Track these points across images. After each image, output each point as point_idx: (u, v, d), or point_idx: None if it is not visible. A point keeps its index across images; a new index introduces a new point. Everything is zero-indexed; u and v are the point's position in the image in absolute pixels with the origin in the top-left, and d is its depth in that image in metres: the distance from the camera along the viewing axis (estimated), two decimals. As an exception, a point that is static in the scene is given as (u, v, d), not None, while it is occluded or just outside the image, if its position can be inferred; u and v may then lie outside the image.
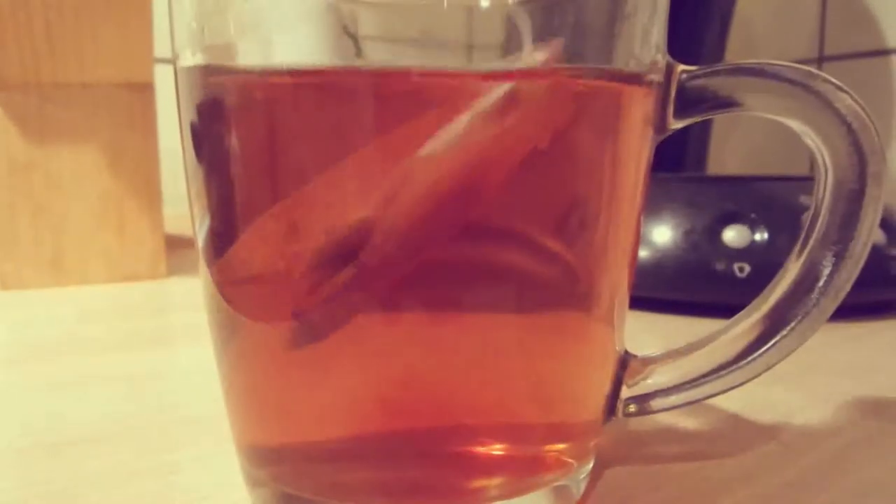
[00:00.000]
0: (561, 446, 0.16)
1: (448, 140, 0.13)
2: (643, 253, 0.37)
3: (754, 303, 0.17)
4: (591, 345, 0.16)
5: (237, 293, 0.15)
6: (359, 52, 0.14)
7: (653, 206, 0.38)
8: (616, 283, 0.16)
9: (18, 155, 0.42)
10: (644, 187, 0.17)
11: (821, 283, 0.16)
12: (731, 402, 0.23)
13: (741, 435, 0.21)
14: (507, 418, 0.15)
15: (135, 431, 0.21)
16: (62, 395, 0.24)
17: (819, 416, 0.23)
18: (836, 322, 0.20)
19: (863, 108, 0.15)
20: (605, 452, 0.19)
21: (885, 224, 0.35)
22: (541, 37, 0.14)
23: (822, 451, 0.20)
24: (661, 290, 0.37)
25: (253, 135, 0.14)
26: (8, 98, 0.41)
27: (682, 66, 0.16)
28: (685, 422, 0.22)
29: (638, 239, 0.17)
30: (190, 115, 0.15)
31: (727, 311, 0.18)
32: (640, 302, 0.35)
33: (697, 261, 0.36)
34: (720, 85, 0.16)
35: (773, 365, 0.17)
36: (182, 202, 0.17)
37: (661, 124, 0.16)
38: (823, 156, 0.16)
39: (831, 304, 0.16)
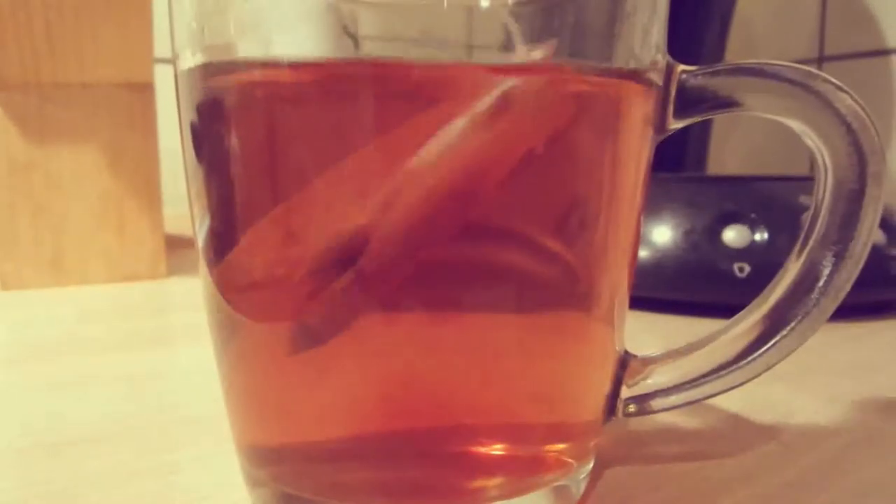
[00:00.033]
0: (561, 446, 0.16)
1: (444, 143, 0.13)
2: (643, 253, 0.37)
3: (754, 303, 0.17)
4: (591, 345, 0.16)
5: (238, 298, 0.15)
6: (359, 53, 0.14)
7: (653, 206, 0.38)
8: (616, 283, 0.16)
9: (18, 155, 0.42)
10: (644, 187, 0.17)
11: (821, 283, 0.16)
12: (731, 402, 0.23)
13: (741, 435, 0.21)
14: (507, 418, 0.15)
15: (135, 431, 0.21)
16: (62, 395, 0.24)
17: (819, 416, 0.23)
18: (836, 322, 0.20)
19: (863, 109, 0.15)
20: (605, 452, 0.19)
21: (884, 224, 0.35)
22: (541, 37, 0.14)
23: (822, 451, 0.20)
24: (661, 290, 0.37)
25: (252, 134, 0.14)
26: (8, 98, 0.41)
27: (682, 66, 0.16)
28: (685, 422, 0.22)
29: (638, 239, 0.17)
30: (190, 116, 0.15)
31: (727, 311, 0.18)
32: (640, 302, 0.35)
33: (697, 261, 0.36)
34: (720, 85, 0.16)
35: (773, 365, 0.17)
36: (182, 202, 0.17)
37: (661, 124, 0.16)
38: (823, 156, 0.16)
39: (831, 304, 0.16)
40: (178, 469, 0.19)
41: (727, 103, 0.16)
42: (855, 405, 0.24)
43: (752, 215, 0.36)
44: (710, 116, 0.17)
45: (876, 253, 0.30)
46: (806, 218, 0.16)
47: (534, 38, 0.14)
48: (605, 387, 0.17)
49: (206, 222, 0.15)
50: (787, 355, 0.17)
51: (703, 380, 0.17)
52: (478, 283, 0.14)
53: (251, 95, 0.14)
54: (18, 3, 0.40)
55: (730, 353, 0.17)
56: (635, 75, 0.15)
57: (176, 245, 0.48)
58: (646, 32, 0.15)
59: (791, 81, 0.16)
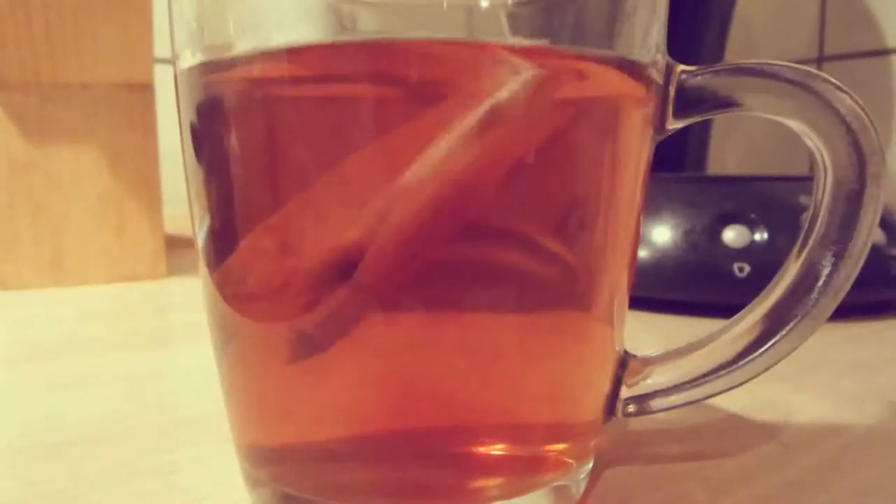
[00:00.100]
0: (561, 446, 0.16)
1: (443, 148, 0.13)
2: (643, 253, 0.37)
3: (754, 303, 0.17)
4: (590, 345, 0.16)
5: (238, 305, 0.15)
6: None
7: (653, 206, 0.38)
8: (616, 282, 0.16)
9: (18, 155, 0.42)
10: (644, 187, 0.17)
11: (820, 283, 0.16)
12: (731, 402, 0.23)
13: (741, 435, 0.21)
14: (507, 418, 0.15)
15: (135, 431, 0.21)
16: (62, 395, 0.24)
17: (819, 416, 0.23)
18: (836, 322, 0.20)
19: (862, 109, 0.15)
20: (605, 452, 0.19)
21: (884, 224, 0.35)
22: (540, 37, 0.14)
23: (822, 451, 0.20)
24: (660, 290, 0.37)
25: (252, 131, 0.14)
26: (8, 98, 0.41)
27: (681, 66, 0.16)
28: (685, 422, 0.22)
29: (638, 239, 0.17)
30: (189, 114, 0.15)
31: (727, 311, 0.18)
32: (640, 302, 0.35)
33: (697, 261, 0.36)
34: (720, 85, 0.16)
35: (773, 365, 0.17)
36: (182, 202, 0.17)
37: (660, 124, 0.16)
38: (823, 156, 0.16)
39: (831, 304, 0.16)
40: (178, 469, 0.19)
41: (727, 103, 0.16)
42: (855, 405, 0.24)
43: (752, 215, 0.36)
44: (710, 116, 0.17)
45: (875, 253, 0.30)
46: (805, 218, 0.16)
47: (534, 38, 0.14)
48: (605, 387, 0.17)
49: (206, 222, 0.15)
50: (787, 355, 0.17)
51: (702, 380, 0.17)
52: (477, 284, 0.14)
53: (250, 92, 0.14)
54: (18, 3, 0.40)
55: (730, 353, 0.17)
56: (635, 75, 0.15)
57: (176, 245, 0.48)
58: (645, 32, 0.15)
59: (791, 81, 0.16)
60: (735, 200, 0.37)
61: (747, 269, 0.35)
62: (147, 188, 0.45)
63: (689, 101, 0.16)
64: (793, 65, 0.16)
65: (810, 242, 0.16)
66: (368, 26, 0.14)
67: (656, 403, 0.18)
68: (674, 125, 0.17)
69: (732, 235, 0.36)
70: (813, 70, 0.15)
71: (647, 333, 0.34)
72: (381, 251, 0.14)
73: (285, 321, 0.15)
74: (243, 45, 0.14)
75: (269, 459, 0.16)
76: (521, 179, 0.14)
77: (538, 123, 0.14)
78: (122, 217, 0.44)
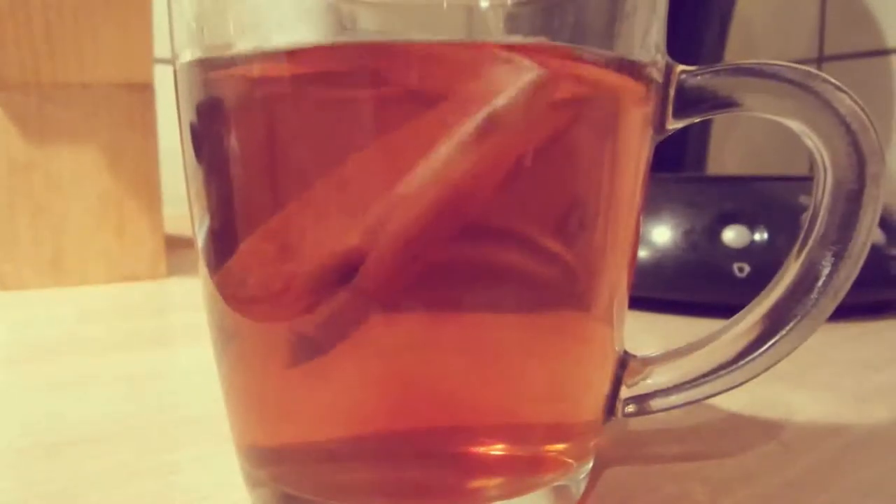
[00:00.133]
0: (561, 446, 0.16)
1: (442, 152, 0.13)
2: (643, 253, 0.37)
3: (754, 302, 0.17)
4: (590, 345, 0.16)
5: (238, 308, 0.15)
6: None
7: (653, 206, 0.38)
8: (615, 282, 0.16)
9: (18, 155, 0.42)
10: (643, 187, 0.17)
11: (820, 283, 0.16)
12: (731, 402, 0.23)
13: (741, 435, 0.21)
14: (507, 418, 0.15)
15: (135, 431, 0.21)
16: (62, 395, 0.24)
17: (819, 416, 0.23)
18: (835, 322, 0.20)
19: (862, 109, 0.15)
20: (605, 452, 0.19)
21: (884, 224, 0.35)
22: (540, 37, 0.14)
23: (822, 451, 0.20)
24: (660, 290, 0.37)
25: (252, 128, 0.14)
26: (8, 98, 0.41)
27: (681, 67, 0.16)
28: (685, 422, 0.22)
29: (637, 239, 0.17)
30: (189, 113, 0.15)
31: (727, 311, 0.18)
32: (640, 302, 0.35)
33: (697, 261, 0.36)
34: (719, 85, 0.16)
35: (773, 365, 0.17)
36: (182, 202, 0.17)
37: (660, 124, 0.16)
38: (822, 156, 0.16)
39: (831, 304, 0.16)
40: (178, 469, 0.19)
41: (726, 103, 0.16)
42: (855, 405, 0.24)
43: (752, 215, 0.36)
44: (710, 116, 0.17)
45: (875, 253, 0.30)
46: (805, 218, 0.16)
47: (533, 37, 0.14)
48: (605, 387, 0.17)
49: (206, 223, 0.15)
50: (787, 355, 0.17)
51: (702, 380, 0.17)
52: (477, 284, 0.14)
53: (250, 90, 0.14)
54: (18, 3, 0.40)
55: (729, 353, 0.17)
56: (635, 75, 0.15)
57: (176, 245, 0.48)
58: (645, 32, 0.15)
59: (790, 81, 0.16)
60: (735, 200, 0.37)
61: (747, 269, 0.35)
62: (147, 188, 0.45)
63: (688, 101, 0.16)
64: (792, 65, 0.16)
65: (810, 242, 0.16)
66: (368, 26, 0.14)
67: (656, 403, 0.18)
68: (674, 125, 0.17)
69: (732, 235, 0.36)
70: (813, 70, 0.15)
71: (647, 333, 0.34)
72: (382, 254, 0.14)
73: (285, 324, 0.15)
74: (243, 45, 0.14)
75: (269, 459, 0.16)
76: (522, 180, 0.14)
77: (537, 125, 0.14)
78: (122, 217, 0.44)
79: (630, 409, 0.18)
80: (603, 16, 0.14)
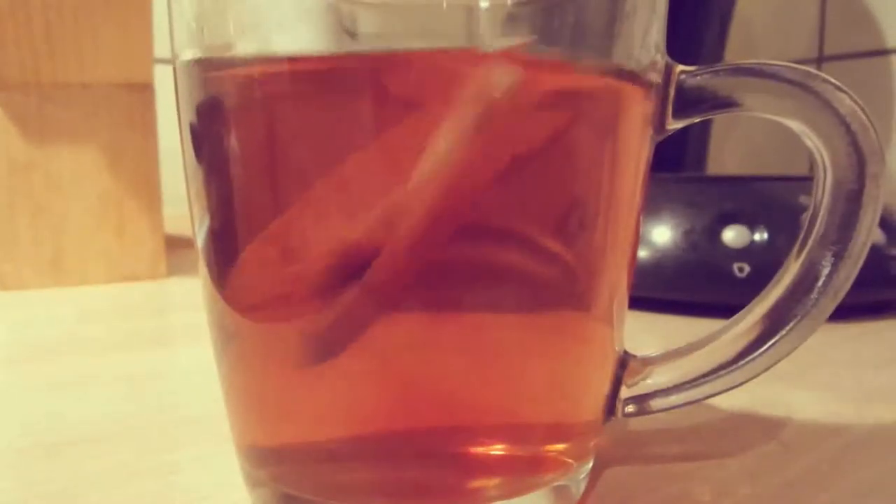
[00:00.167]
0: (561, 446, 0.16)
1: (442, 148, 0.13)
2: (643, 253, 0.37)
3: (754, 302, 0.17)
4: (590, 345, 0.16)
5: (247, 315, 0.15)
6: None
7: (652, 206, 0.38)
8: (615, 282, 0.16)
9: (18, 155, 0.42)
10: (643, 187, 0.17)
11: (820, 283, 0.16)
12: (731, 402, 0.23)
13: (741, 435, 0.21)
14: (507, 418, 0.15)
15: (135, 431, 0.21)
16: (62, 395, 0.24)
17: (819, 415, 0.23)
18: (835, 322, 0.20)
19: (862, 109, 0.15)
20: (605, 452, 0.19)
21: (884, 224, 0.35)
22: (540, 37, 0.14)
23: (822, 451, 0.20)
24: (660, 290, 0.37)
25: (252, 129, 0.14)
26: (8, 98, 0.41)
27: (681, 67, 0.16)
28: (685, 422, 0.22)
29: (637, 239, 0.17)
30: (189, 113, 0.15)
31: (727, 311, 0.18)
32: (640, 302, 0.35)
33: (697, 261, 0.36)
34: (719, 85, 0.16)
35: (773, 365, 0.17)
36: (182, 202, 0.17)
37: (660, 124, 0.16)
38: (822, 156, 0.16)
39: (830, 304, 0.16)
40: (178, 469, 0.19)
41: (726, 103, 0.16)
42: (855, 405, 0.24)
43: (752, 215, 0.36)
44: (710, 116, 0.17)
45: (875, 253, 0.30)
46: (805, 218, 0.16)
47: (533, 38, 0.14)
48: (605, 387, 0.17)
49: (206, 223, 0.15)
50: (787, 355, 0.17)
51: (702, 380, 0.17)
52: (477, 284, 0.14)
53: (250, 89, 0.14)
54: (18, 3, 0.40)
55: (729, 353, 0.17)
56: (634, 75, 0.15)
57: (176, 245, 0.48)
58: (645, 32, 0.15)
59: (790, 81, 0.16)
60: (735, 200, 0.37)
61: (747, 269, 0.35)
62: (147, 188, 0.45)
63: (688, 101, 0.16)
64: (792, 65, 0.16)
65: (810, 242, 0.16)
66: (368, 27, 0.14)
67: (656, 403, 0.18)
68: (673, 125, 0.17)
69: (732, 235, 0.36)
70: (812, 70, 0.15)
71: (647, 333, 0.34)
72: (392, 249, 0.14)
73: (296, 326, 0.15)
74: (243, 45, 0.14)
75: (269, 459, 0.16)
76: (521, 180, 0.14)
77: (537, 124, 0.14)
78: (122, 217, 0.44)
79: (630, 409, 0.18)
80: (603, 16, 0.14)
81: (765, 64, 0.16)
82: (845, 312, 0.20)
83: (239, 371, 0.16)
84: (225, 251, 0.15)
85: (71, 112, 0.42)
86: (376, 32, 0.14)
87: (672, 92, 0.16)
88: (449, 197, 0.14)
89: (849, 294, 0.16)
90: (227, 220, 0.15)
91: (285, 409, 0.15)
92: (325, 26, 0.14)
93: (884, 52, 0.59)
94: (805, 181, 0.39)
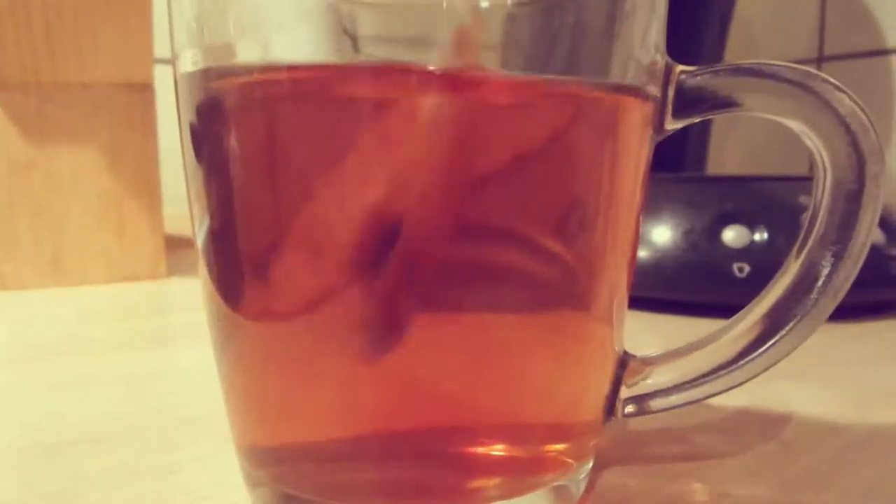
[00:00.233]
0: (560, 446, 0.16)
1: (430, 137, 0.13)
2: (643, 253, 0.37)
3: (753, 302, 0.17)
4: (590, 345, 0.16)
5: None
6: (358, 53, 0.14)
7: (652, 206, 0.38)
8: (615, 282, 0.16)
9: (18, 155, 0.42)
10: (643, 187, 0.17)
11: (820, 283, 0.16)
12: (730, 402, 0.23)
13: (741, 435, 0.21)
14: (507, 418, 0.15)
15: (135, 431, 0.21)
16: (62, 395, 0.24)
17: (819, 415, 0.23)
18: (835, 322, 0.20)
19: (861, 109, 0.15)
20: (605, 452, 0.19)
21: (884, 224, 0.35)
22: (540, 37, 0.14)
23: (822, 451, 0.20)
24: (660, 290, 0.37)
25: (252, 137, 0.14)
26: (8, 98, 0.41)
27: (680, 67, 0.16)
28: (685, 422, 0.22)
29: (637, 239, 0.17)
30: (188, 114, 0.15)
31: (727, 311, 0.18)
32: (640, 302, 0.35)
33: (697, 261, 0.36)
34: (719, 85, 0.16)
35: (773, 365, 0.17)
36: (182, 202, 0.17)
37: (659, 125, 0.16)
38: (822, 156, 0.16)
39: (830, 304, 0.16)
40: (178, 469, 0.19)
41: (726, 103, 0.16)
42: (855, 405, 0.24)
43: (752, 215, 0.36)
44: (709, 117, 0.17)
45: (875, 253, 0.30)
46: (805, 218, 0.17)
47: (534, 38, 0.14)
48: (605, 387, 0.17)
49: (206, 222, 0.15)
50: (787, 355, 0.17)
51: (702, 380, 0.17)
52: (477, 284, 0.14)
53: (251, 99, 0.14)
54: (18, 3, 0.40)
55: (729, 353, 0.17)
56: (634, 76, 0.15)
57: (176, 245, 0.48)
58: (645, 32, 0.15)
59: (790, 81, 0.16)
60: (735, 200, 0.37)
61: (747, 269, 0.35)
62: (147, 188, 0.45)
63: (688, 101, 0.16)
64: (792, 65, 0.16)
65: (810, 242, 0.16)
66: (368, 27, 0.14)
67: (656, 403, 0.18)
68: (673, 125, 0.17)
69: (732, 235, 0.36)
70: (812, 70, 0.15)
71: (647, 333, 0.34)
72: (416, 216, 0.13)
73: (354, 323, 0.14)
74: (243, 45, 0.14)
75: (269, 459, 0.16)
76: (521, 180, 0.14)
77: (537, 125, 0.14)
78: (122, 217, 0.44)
79: (630, 409, 0.18)
80: (603, 16, 0.14)
81: (765, 64, 0.16)
82: (845, 312, 0.20)
83: (239, 371, 0.16)
84: (225, 251, 0.15)
85: (71, 112, 0.42)
86: (376, 33, 0.14)
87: (672, 92, 0.16)
88: (448, 196, 0.14)
89: (849, 294, 0.16)
90: (227, 220, 0.15)
91: (285, 409, 0.15)
92: (325, 26, 0.14)
93: (884, 52, 0.59)
94: (805, 181, 0.39)
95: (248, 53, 0.14)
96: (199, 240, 0.16)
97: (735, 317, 0.17)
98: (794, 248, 0.17)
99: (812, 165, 0.17)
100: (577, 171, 0.15)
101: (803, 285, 0.16)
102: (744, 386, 0.17)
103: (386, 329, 0.14)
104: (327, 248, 0.14)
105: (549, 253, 0.15)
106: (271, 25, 0.14)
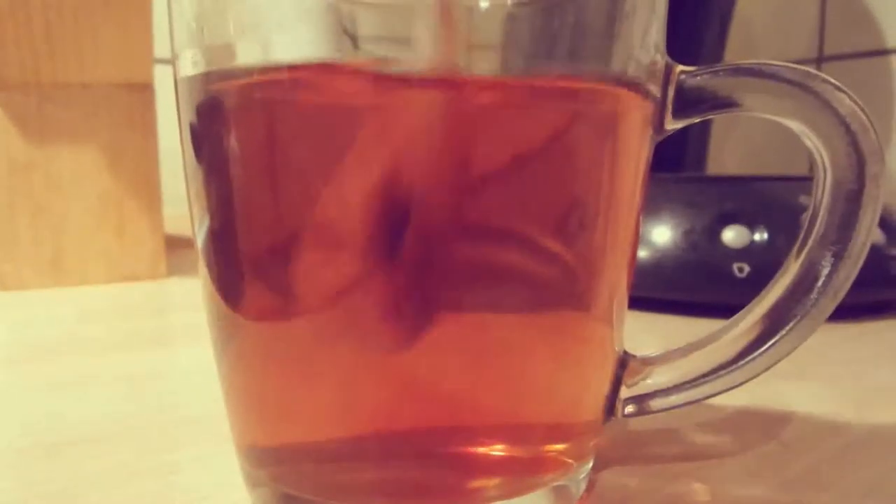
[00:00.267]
0: (560, 446, 0.16)
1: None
2: (643, 253, 0.37)
3: (753, 303, 0.17)
4: (590, 345, 0.16)
5: (249, 318, 0.15)
6: (358, 53, 0.14)
7: (652, 206, 0.38)
8: (615, 282, 0.16)
9: (18, 155, 0.42)
10: (643, 188, 0.17)
11: (820, 283, 0.16)
12: (730, 402, 0.23)
13: (741, 434, 0.21)
14: (507, 418, 0.15)
15: (135, 431, 0.21)
16: (62, 395, 0.24)
17: (819, 415, 0.23)
18: (835, 322, 0.20)
19: (861, 109, 0.15)
20: (605, 452, 0.19)
21: (883, 224, 0.35)
22: (540, 37, 0.14)
23: (822, 451, 0.20)
24: (660, 290, 0.37)
25: (252, 138, 0.14)
26: (8, 98, 0.41)
27: (680, 67, 0.16)
28: (685, 422, 0.22)
29: (637, 239, 0.17)
30: (188, 114, 0.15)
31: (727, 311, 0.18)
32: (640, 302, 0.35)
33: (697, 261, 0.36)
34: (719, 85, 0.16)
35: (773, 365, 0.17)
36: (182, 202, 0.18)
37: (659, 125, 0.16)
38: (822, 156, 0.16)
39: (830, 304, 0.16)
40: (178, 469, 0.19)
41: (726, 104, 0.16)
42: (855, 405, 0.24)
43: (752, 215, 0.36)
44: (709, 117, 0.17)
45: (875, 253, 0.30)
46: (805, 218, 0.17)
47: (534, 38, 0.14)
48: (605, 387, 0.17)
49: (206, 222, 0.15)
50: (787, 355, 0.17)
51: (702, 380, 0.17)
52: (477, 284, 0.14)
53: (250, 100, 0.14)
54: (18, 3, 0.40)
55: (729, 353, 0.17)
56: (634, 76, 0.15)
57: (176, 245, 0.48)
58: (645, 32, 0.15)
59: (790, 82, 0.16)
60: (735, 200, 0.37)
61: (747, 269, 0.35)
62: (147, 188, 0.45)
63: (688, 101, 0.16)
64: (792, 65, 0.16)
65: (810, 242, 0.16)
66: (368, 27, 0.14)
67: (656, 403, 0.18)
68: (673, 125, 0.17)
69: (732, 235, 0.36)
70: (812, 70, 0.15)
71: (647, 333, 0.34)
72: (422, 194, 0.13)
73: (383, 310, 0.14)
74: (243, 46, 0.14)
75: (269, 459, 0.16)
76: (521, 180, 0.14)
77: (536, 124, 0.14)
78: (122, 217, 0.44)
79: (630, 409, 0.18)
80: (602, 16, 0.14)
81: (764, 64, 0.16)
82: (845, 312, 0.20)
83: (239, 371, 0.16)
84: (225, 251, 0.15)
85: (71, 112, 0.42)
86: (376, 33, 0.14)
87: (672, 92, 0.16)
88: (448, 195, 0.14)
89: (849, 294, 0.16)
90: (227, 220, 0.15)
91: (285, 409, 0.15)
92: (325, 26, 0.14)
93: (884, 52, 0.59)
94: (805, 181, 0.39)
95: (248, 54, 0.14)
96: (199, 240, 0.16)
97: (735, 317, 0.17)
98: (794, 248, 0.17)
99: (812, 165, 0.17)
100: (577, 171, 0.15)
101: (803, 285, 0.16)
102: (744, 386, 0.17)
103: (412, 319, 0.14)
104: (339, 244, 0.14)
105: (549, 253, 0.15)
106: (271, 25, 0.14)
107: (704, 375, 0.17)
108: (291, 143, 0.14)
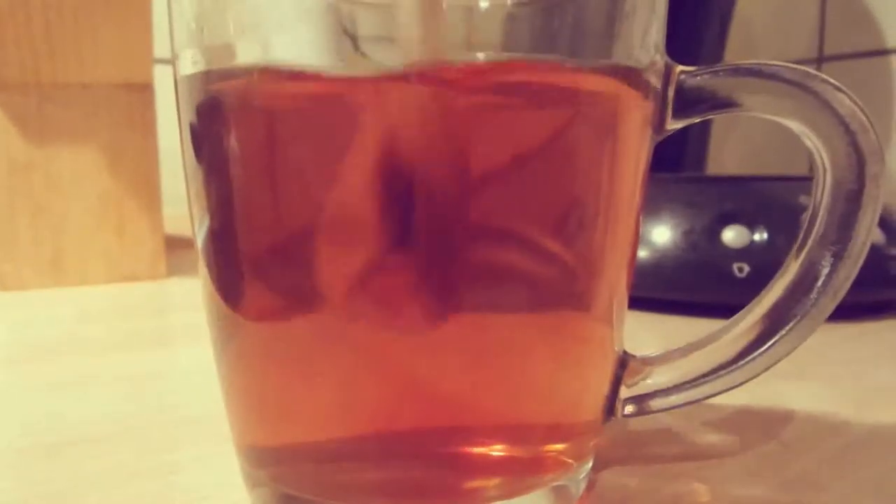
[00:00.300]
0: (560, 446, 0.16)
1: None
2: (643, 253, 0.37)
3: (753, 303, 0.17)
4: (590, 345, 0.16)
5: (249, 318, 0.15)
6: (357, 53, 0.14)
7: (652, 206, 0.38)
8: (615, 283, 0.16)
9: (18, 155, 0.42)
10: (643, 188, 0.17)
11: (819, 283, 0.16)
12: (730, 402, 0.23)
13: (741, 434, 0.21)
14: (507, 419, 0.15)
15: (135, 431, 0.21)
16: (62, 395, 0.24)
17: (819, 415, 0.23)
18: (835, 322, 0.20)
19: (861, 109, 0.15)
20: (605, 452, 0.19)
21: (883, 224, 0.35)
22: (540, 37, 0.14)
23: (822, 451, 0.20)
24: (660, 290, 0.37)
25: (252, 138, 0.14)
26: (8, 98, 0.41)
27: (680, 67, 0.16)
28: (685, 422, 0.22)
29: (637, 239, 0.17)
30: (188, 115, 0.15)
31: (727, 311, 0.18)
32: (640, 302, 0.35)
33: (697, 261, 0.36)
34: (719, 85, 0.16)
35: (773, 365, 0.17)
36: (182, 202, 0.18)
37: (659, 125, 0.16)
38: (822, 156, 0.16)
39: (830, 304, 0.16)
40: (178, 469, 0.19)
41: (726, 104, 0.16)
42: (855, 405, 0.24)
43: (752, 215, 0.36)
44: (709, 117, 0.17)
45: (875, 253, 0.30)
46: (805, 218, 0.17)
47: (534, 38, 0.14)
48: (605, 387, 0.17)
49: (206, 223, 0.15)
50: (787, 355, 0.17)
51: (702, 380, 0.17)
52: (477, 284, 0.14)
53: (251, 102, 0.14)
54: (18, 3, 0.40)
55: (729, 353, 0.17)
56: (634, 76, 0.15)
57: (176, 245, 0.48)
58: (644, 33, 0.15)
59: (789, 82, 0.16)
60: (735, 200, 0.37)
61: (747, 269, 0.35)
62: (147, 188, 0.45)
63: (688, 101, 0.16)
64: (791, 65, 0.16)
65: (809, 242, 0.16)
66: (368, 27, 0.14)
67: (656, 403, 0.18)
68: (673, 126, 0.17)
69: (732, 235, 0.36)
70: (811, 70, 0.15)
71: (647, 333, 0.34)
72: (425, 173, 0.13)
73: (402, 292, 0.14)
74: (243, 46, 0.14)
75: (269, 459, 0.16)
76: (521, 180, 0.14)
77: (536, 124, 0.14)
78: (122, 217, 0.44)
79: (630, 409, 0.18)
80: (602, 16, 0.14)
81: (764, 64, 0.16)
82: (845, 312, 0.20)
83: (239, 371, 0.16)
84: (225, 251, 0.15)
85: (71, 112, 0.42)
86: (376, 33, 0.14)
87: (672, 92, 0.16)
88: (447, 195, 0.14)
89: (849, 294, 0.16)
90: (227, 220, 0.15)
91: (285, 409, 0.15)
92: (325, 26, 0.14)
93: (884, 52, 0.59)
94: (805, 181, 0.39)
95: (248, 54, 0.14)
96: (199, 240, 0.16)
97: (735, 317, 0.17)
98: (793, 248, 0.17)
99: (812, 165, 0.17)
100: (577, 170, 0.15)
101: (803, 285, 0.16)
102: (744, 386, 0.17)
103: (437, 297, 0.14)
104: (339, 243, 0.14)
105: (548, 253, 0.15)
106: (271, 25, 0.14)
107: (704, 375, 0.17)
108: (291, 143, 0.14)
